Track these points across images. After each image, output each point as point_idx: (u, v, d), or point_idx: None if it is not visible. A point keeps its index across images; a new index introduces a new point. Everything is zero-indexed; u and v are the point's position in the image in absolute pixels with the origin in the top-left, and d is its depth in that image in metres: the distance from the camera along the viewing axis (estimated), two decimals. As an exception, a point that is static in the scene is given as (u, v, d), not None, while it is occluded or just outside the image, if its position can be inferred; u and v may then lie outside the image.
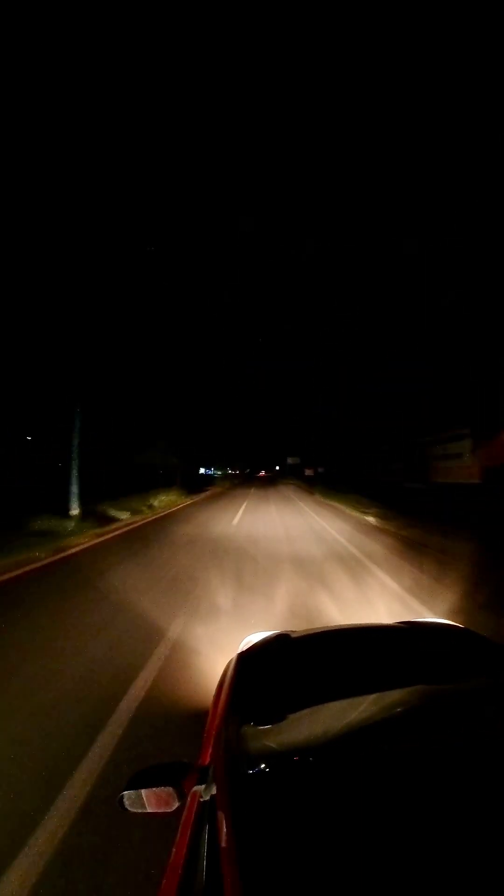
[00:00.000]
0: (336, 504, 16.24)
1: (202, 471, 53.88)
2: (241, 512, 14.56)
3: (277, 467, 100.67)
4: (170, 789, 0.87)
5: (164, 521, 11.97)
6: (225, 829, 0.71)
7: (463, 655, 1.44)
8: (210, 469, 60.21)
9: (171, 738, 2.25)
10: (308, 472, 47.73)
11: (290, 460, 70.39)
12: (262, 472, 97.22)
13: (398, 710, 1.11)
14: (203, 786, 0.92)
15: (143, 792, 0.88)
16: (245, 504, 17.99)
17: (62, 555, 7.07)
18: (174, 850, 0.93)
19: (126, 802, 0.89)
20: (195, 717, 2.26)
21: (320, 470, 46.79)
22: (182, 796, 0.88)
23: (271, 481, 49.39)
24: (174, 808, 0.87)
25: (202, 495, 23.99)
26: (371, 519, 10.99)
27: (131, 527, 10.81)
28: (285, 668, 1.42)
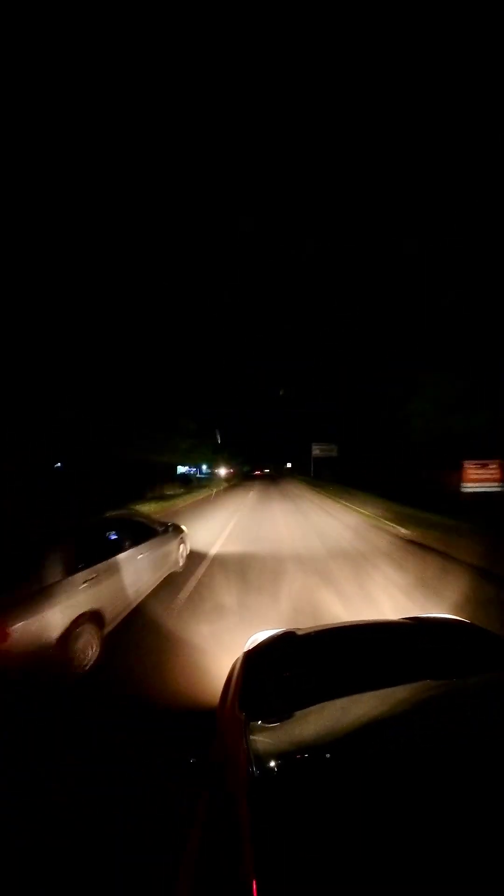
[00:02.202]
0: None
1: (184, 470, 44.18)
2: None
3: (289, 464, 77.33)
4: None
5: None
6: (238, 824, 0.72)
7: (468, 650, 1.44)
8: (193, 468, 49.34)
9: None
10: (471, 476, 12.82)
11: (316, 450, 43.24)
12: (259, 472, 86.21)
13: (405, 705, 1.12)
14: (214, 782, 0.93)
15: None
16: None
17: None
18: (189, 843, 0.94)
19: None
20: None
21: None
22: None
23: (275, 484, 35.56)
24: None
25: None
26: None
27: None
28: (292, 666, 1.42)
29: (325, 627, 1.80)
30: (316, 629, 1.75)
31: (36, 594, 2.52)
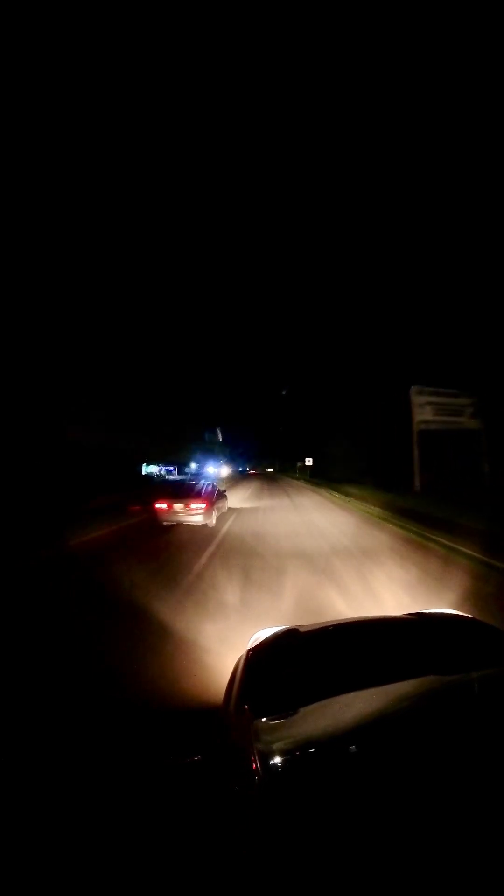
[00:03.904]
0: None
1: (155, 470, 36.78)
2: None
3: (309, 460, 44.54)
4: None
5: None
6: (245, 821, 0.74)
7: (471, 645, 1.49)
8: (170, 467, 40.88)
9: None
10: None
11: (425, 408, 18.42)
12: (254, 471, 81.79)
13: (409, 701, 1.15)
14: (219, 780, 0.94)
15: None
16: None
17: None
18: (192, 842, 0.93)
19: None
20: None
21: None
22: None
23: None
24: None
25: None
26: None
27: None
28: (296, 663, 1.45)
29: (327, 624, 1.86)
30: (319, 626, 1.82)
31: (209, 498, 10.11)
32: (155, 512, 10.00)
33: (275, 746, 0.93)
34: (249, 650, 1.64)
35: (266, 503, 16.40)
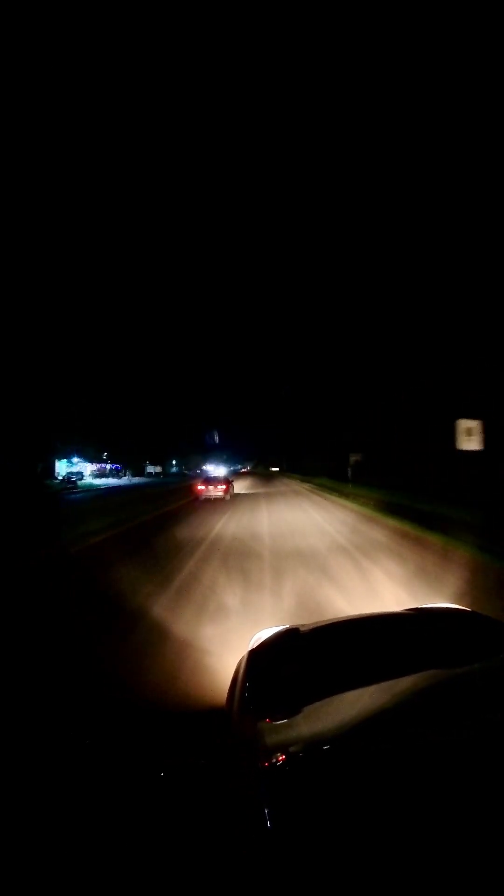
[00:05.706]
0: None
1: (85, 472, 26.75)
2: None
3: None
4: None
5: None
6: (251, 824, 0.73)
7: (470, 638, 1.51)
8: (114, 466, 32.56)
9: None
10: None
11: None
12: (245, 469, 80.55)
13: (412, 695, 1.15)
14: (225, 783, 0.93)
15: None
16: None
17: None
18: (198, 846, 0.88)
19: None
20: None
21: None
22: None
23: None
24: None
25: None
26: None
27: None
28: (297, 662, 1.46)
29: (328, 622, 1.88)
30: (319, 624, 1.84)
31: (228, 484, 19.02)
32: (196, 491, 18.38)
33: (280, 748, 0.94)
34: (250, 651, 1.65)
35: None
